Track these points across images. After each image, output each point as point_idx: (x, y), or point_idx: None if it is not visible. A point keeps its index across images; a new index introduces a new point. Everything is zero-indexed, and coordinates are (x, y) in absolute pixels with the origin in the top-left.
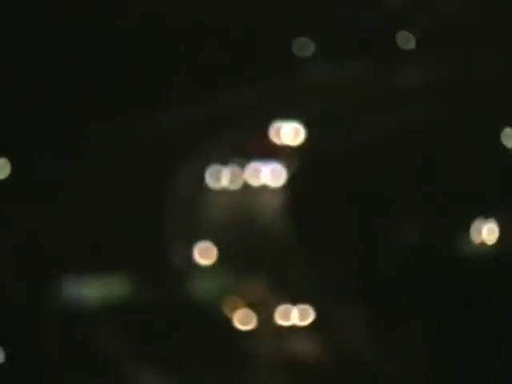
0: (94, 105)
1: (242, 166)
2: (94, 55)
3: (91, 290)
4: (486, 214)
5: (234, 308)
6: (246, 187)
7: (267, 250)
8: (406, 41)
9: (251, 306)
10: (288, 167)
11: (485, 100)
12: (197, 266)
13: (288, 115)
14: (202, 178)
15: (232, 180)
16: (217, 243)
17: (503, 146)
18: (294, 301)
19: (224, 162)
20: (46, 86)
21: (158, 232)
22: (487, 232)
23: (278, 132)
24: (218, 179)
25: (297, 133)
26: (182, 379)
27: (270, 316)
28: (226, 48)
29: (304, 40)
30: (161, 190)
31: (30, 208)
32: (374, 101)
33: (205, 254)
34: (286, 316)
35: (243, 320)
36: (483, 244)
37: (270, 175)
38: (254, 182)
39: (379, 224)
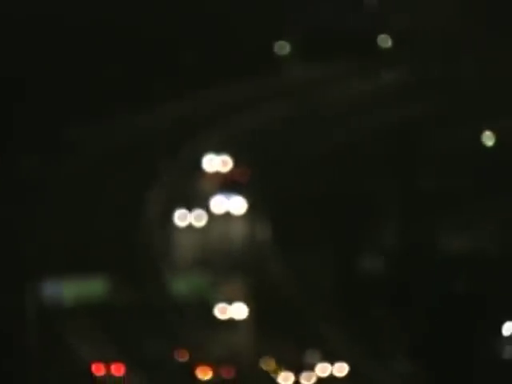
0: (76, 106)
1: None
2: (78, 56)
3: (71, 291)
4: (467, 213)
5: (277, 372)
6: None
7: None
8: (385, 42)
9: (290, 367)
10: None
11: (464, 100)
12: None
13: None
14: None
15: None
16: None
17: (483, 145)
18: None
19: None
20: (28, 87)
21: (137, 234)
22: None
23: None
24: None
25: (225, 163)
26: (159, 378)
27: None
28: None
29: (283, 43)
30: (141, 192)
31: (11, 209)
32: (353, 101)
33: (222, 311)
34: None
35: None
36: None
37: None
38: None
39: (360, 224)
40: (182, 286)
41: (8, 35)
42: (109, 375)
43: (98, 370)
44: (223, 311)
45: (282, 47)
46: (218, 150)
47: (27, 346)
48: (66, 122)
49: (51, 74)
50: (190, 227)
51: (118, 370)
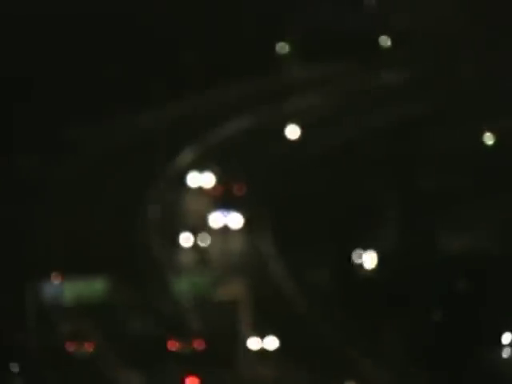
0: (76, 106)
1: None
2: (78, 56)
3: (71, 291)
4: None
5: None
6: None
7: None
8: (385, 42)
9: None
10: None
11: (463, 100)
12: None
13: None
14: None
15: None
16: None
17: (483, 145)
18: None
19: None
20: (29, 87)
21: (136, 235)
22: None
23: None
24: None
25: (211, 180)
26: (155, 377)
27: None
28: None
29: (283, 44)
30: (142, 192)
31: (11, 209)
32: (352, 101)
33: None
34: None
35: None
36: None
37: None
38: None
39: (360, 225)
40: (183, 286)
41: (8, 35)
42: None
43: (70, 346)
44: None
45: (282, 48)
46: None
47: (27, 346)
48: (66, 122)
49: (51, 73)
50: (194, 247)
51: (89, 346)
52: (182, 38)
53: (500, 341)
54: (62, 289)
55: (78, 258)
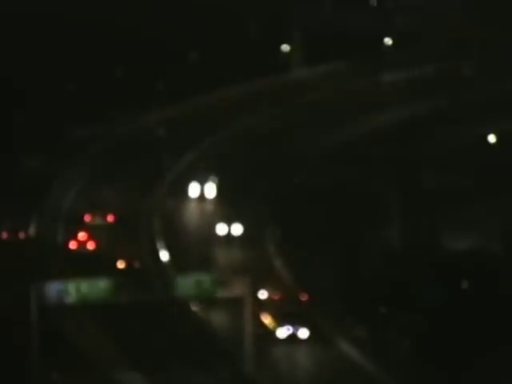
0: (78, 106)
1: None
2: (80, 56)
3: (73, 290)
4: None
5: None
6: None
7: None
8: (388, 42)
9: None
10: None
11: (465, 99)
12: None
13: None
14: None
15: None
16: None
17: (485, 145)
18: None
19: None
20: (31, 88)
21: (136, 234)
22: None
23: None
24: None
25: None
26: (157, 377)
27: None
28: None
29: (285, 45)
30: (146, 192)
31: (14, 208)
32: (355, 101)
33: None
34: None
35: None
36: None
37: None
38: None
39: (363, 224)
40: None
41: (11, 35)
42: None
43: None
44: None
45: (284, 47)
46: None
47: (29, 346)
48: (67, 122)
49: (55, 74)
50: None
51: None
52: (184, 39)
53: (503, 339)
54: (64, 288)
55: (81, 258)
